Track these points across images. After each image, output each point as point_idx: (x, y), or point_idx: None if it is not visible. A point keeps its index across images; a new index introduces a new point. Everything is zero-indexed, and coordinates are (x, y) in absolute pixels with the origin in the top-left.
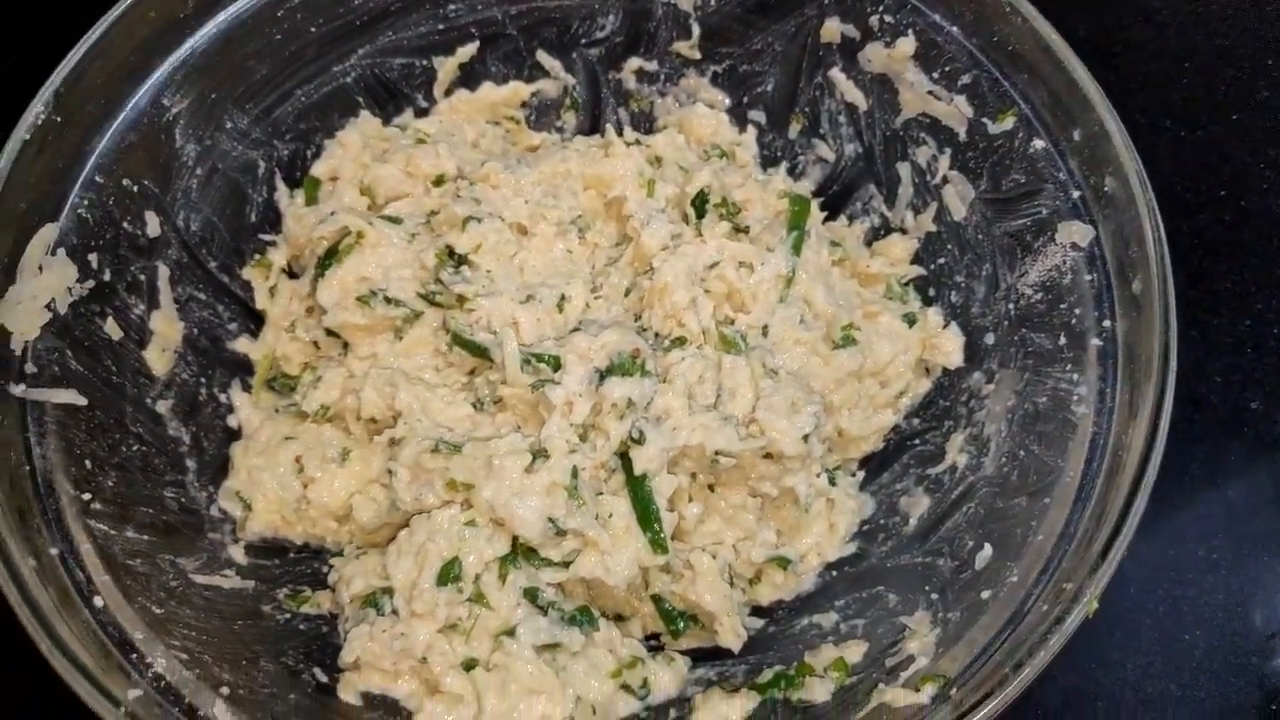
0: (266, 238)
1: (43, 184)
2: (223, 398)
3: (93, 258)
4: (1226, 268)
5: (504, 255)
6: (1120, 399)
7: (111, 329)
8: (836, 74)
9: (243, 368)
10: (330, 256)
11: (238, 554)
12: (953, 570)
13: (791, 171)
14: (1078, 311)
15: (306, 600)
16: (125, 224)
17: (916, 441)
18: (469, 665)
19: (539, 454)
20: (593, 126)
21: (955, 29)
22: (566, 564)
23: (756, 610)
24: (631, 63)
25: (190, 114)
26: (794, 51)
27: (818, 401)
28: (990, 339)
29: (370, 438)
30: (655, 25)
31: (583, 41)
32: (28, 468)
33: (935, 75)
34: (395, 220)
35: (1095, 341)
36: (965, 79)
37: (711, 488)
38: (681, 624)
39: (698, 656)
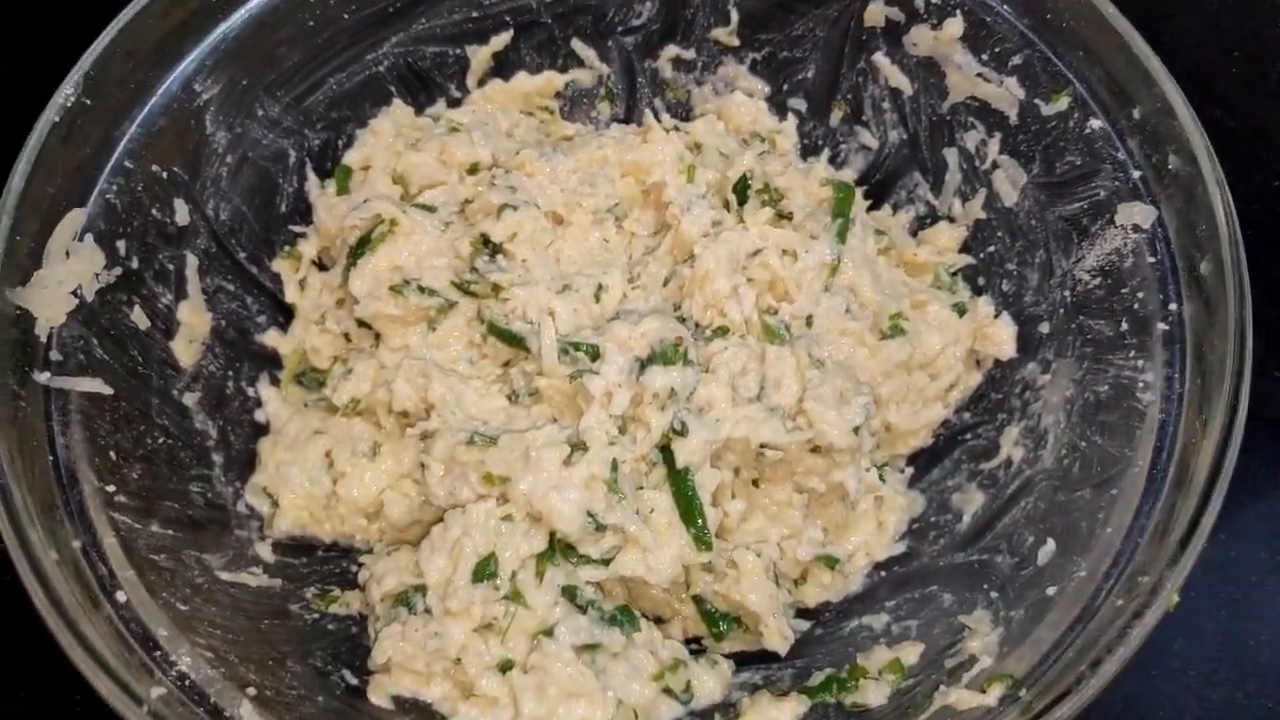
0: (297, 229)
1: (70, 168)
2: (250, 391)
3: (120, 244)
4: None
5: (540, 244)
6: (1190, 384)
7: (138, 318)
8: (880, 59)
9: (271, 361)
10: (363, 245)
11: (265, 552)
12: (1012, 567)
13: (833, 160)
14: (1141, 296)
15: (335, 600)
16: (154, 211)
17: (968, 436)
18: (505, 667)
19: (577, 446)
20: (628, 117)
21: (1005, 8)
22: (606, 561)
23: (802, 612)
24: (668, 50)
25: (221, 100)
26: (836, 37)
27: (867, 392)
28: (1045, 328)
29: (402, 431)
30: (693, 12)
31: (618, 29)
32: (51, 458)
33: (984, 57)
34: (429, 208)
35: (1161, 326)
36: (1016, 60)
37: (755, 483)
38: (724, 626)
39: (741, 660)
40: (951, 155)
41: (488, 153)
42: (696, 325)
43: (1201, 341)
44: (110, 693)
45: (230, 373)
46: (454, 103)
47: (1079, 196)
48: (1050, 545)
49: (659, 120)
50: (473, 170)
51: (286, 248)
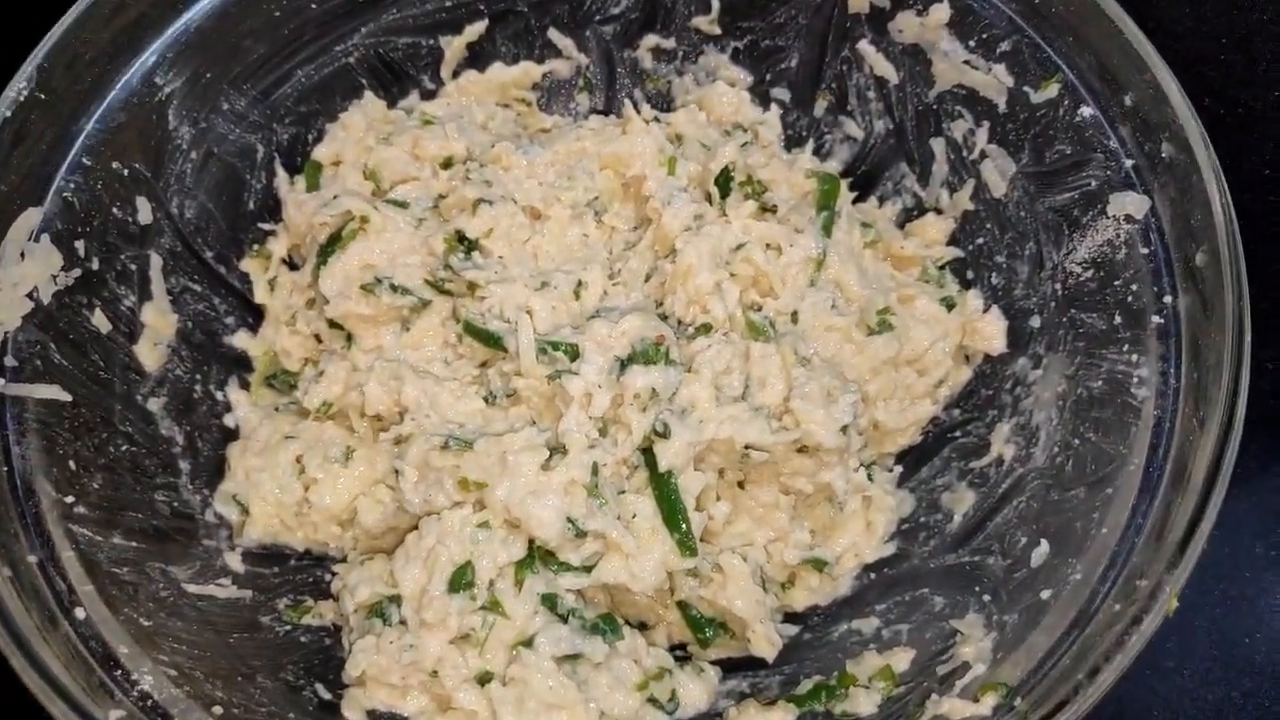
0: (266, 227)
1: (25, 166)
2: (219, 395)
3: (79, 245)
4: (1274, 251)
5: (517, 240)
6: (1186, 379)
7: (99, 321)
8: (865, 46)
9: (240, 364)
10: (333, 243)
11: (234, 561)
12: (1005, 569)
13: (818, 151)
14: (1134, 288)
15: (308, 611)
16: (115, 210)
17: (958, 433)
18: (484, 679)
19: (556, 450)
20: (607, 108)
21: None
22: (588, 569)
23: (790, 616)
24: (648, 40)
25: (184, 94)
26: (819, 24)
27: (855, 390)
28: (1036, 322)
29: (375, 436)
30: (673, 0)
31: (596, 18)
32: (5, 469)
33: (972, 44)
34: (401, 204)
35: (1155, 319)
36: (1004, 46)
37: (741, 485)
38: (710, 632)
39: (728, 667)
40: (938, 145)
41: (462, 146)
42: (679, 322)
43: (1197, 335)
44: (66, 717)
45: (197, 376)
46: (428, 95)
47: (1070, 186)
48: (1044, 547)
49: (639, 111)
50: (447, 164)
51: (255, 246)
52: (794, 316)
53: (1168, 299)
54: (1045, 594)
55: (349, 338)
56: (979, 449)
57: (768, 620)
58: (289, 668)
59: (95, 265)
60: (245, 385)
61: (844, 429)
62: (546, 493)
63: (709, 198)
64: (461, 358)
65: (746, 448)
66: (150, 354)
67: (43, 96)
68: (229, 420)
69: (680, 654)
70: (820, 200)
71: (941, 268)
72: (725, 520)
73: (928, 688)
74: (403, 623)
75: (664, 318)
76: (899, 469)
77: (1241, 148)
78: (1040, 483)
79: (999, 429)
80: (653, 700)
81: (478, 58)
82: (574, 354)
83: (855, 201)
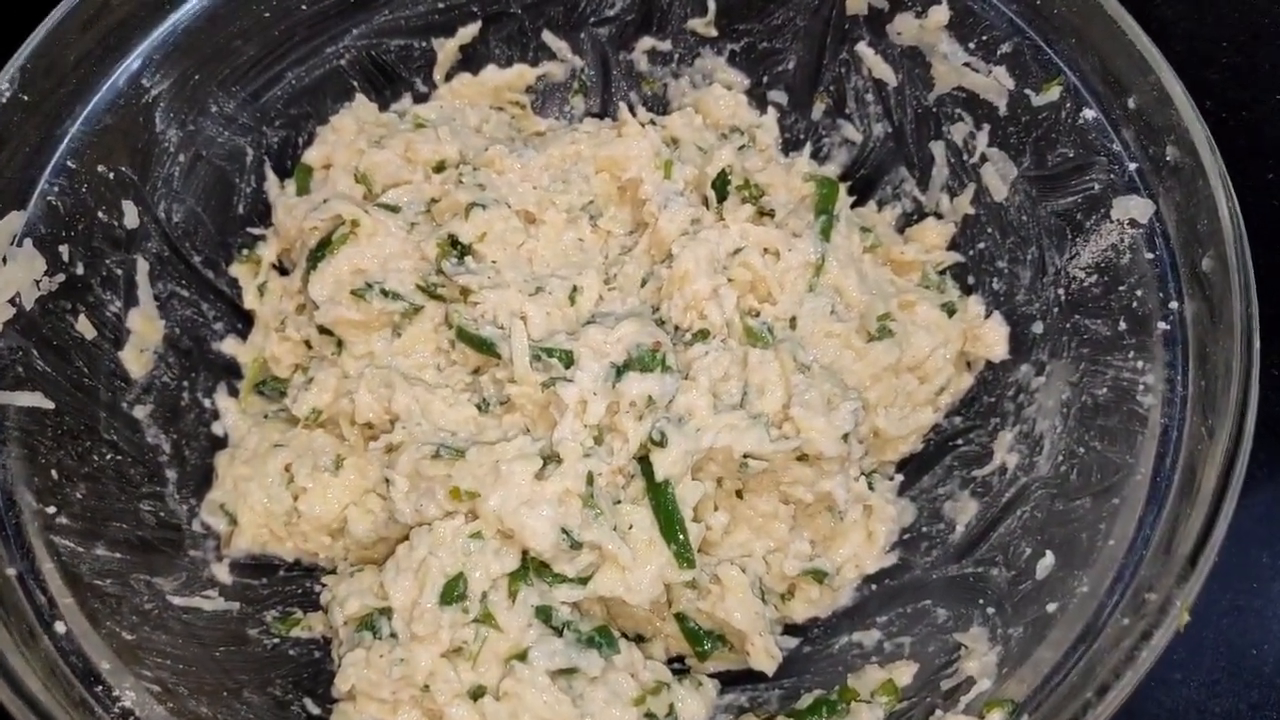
0: (255, 231)
1: (8, 169)
2: (207, 403)
3: (63, 249)
4: (1277, 257)
5: (510, 244)
6: (1194, 387)
7: (84, 327)
8: (863, 49)
9: (229, 370)
10: (323, 247)
11: (221, 573)
12: (1009, 581)
13: (816, 155)
14: (1139, 294)
15: (297, 623)
16: (100, 214)
17: (959, 441)
18: (476, 694)
19: (550, 459)
20: (603, 112)
21: None
22: (583, 581)
23: (789, 628)
24: (643, 42)
25: (171, 96)
26: (817, 26)
27: (855, 397)
28: (1039, 328)
29: (366, 444)
30: (669, 2)
31: (591, 20)
32: None
33: (971, 45)
34: (393, 208)
35: (1161, 326)
36: (1005, 48)
37: (739, 494)
38: (708, 644)
39: (727, 680)
40: (938, 149)
41: (455, 149)
42: (676, 328)
43: (1205, 342)
44: None
45: (185, 383)
46: (420, 98)
47: (1072, 190)
48: (1049, 558)
49: (634, 114)
50: (439, 168)
51: (244, 251)
52: (792, 322)
53: (1174, 305)
54: (1051, 607)
55: (339, 344)
56: (981, 457)
57: (767, 633)
58: (277, 682)
59: (80, 270)
60: (234, 392)
61: (845, 437)
62: (540, 503)
63: (706, 201)
64: (454, 364)
65: (745, 456)
66: (136, 360)
67: (26, 98)
68: (217, 428)
69: (678, 667)
70: (818, 204)
71: (942, 273)
72: (723, 530)
73: (931, 703)
74: (393, 636)
75: (660, 324)
76: (900, 477)
77: (1245, 152)
78: (1045, 492)
79: (1002, 437)
80: (650, 715)
81: (471, 60)
82: (568, 361)
83: (854, 206)
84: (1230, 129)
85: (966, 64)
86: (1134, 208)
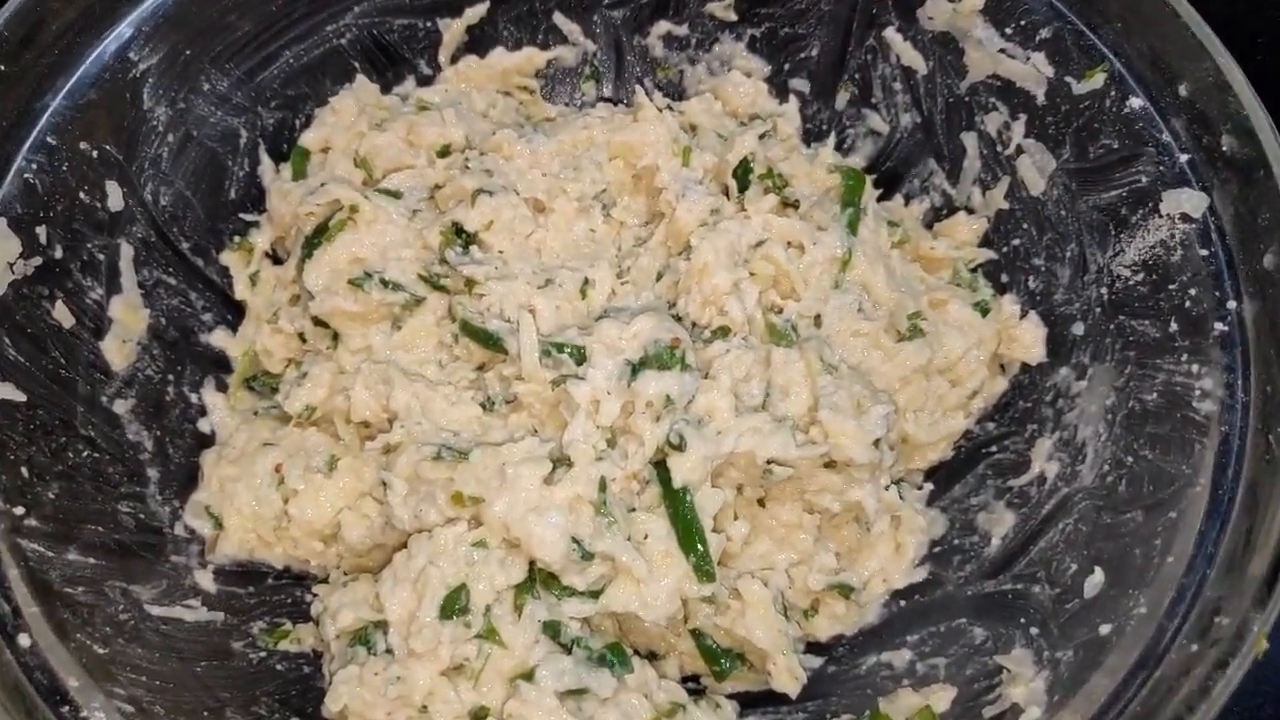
0: (248, 218)
1: None
2: (194, 398)
3: (41, 231)
4: None
5: (519, 234)
6: (1256, 392)
7: (61, 314)
8: (892, 35)
9: (218, 364)
10: (319, 234)
11: (205, 580)
12: (1053, 599)
13: (839, 146)
14: (1192, 293)
15: (285, 635)
16: (82, 194)
17: (993, 449)
18: (478, 715)
19: (560, 462)
20: (615, 99)
21: None
22: (594, 594)
23: (812, 647)
24: (659, 26)
25: (161, 72)
26: (843, 11)
27: (887, 400)
28: (1079, 329)
29: (362, 444)
30: None
31: (605, 2)
32: None
33: (1008, 31)
34: (394, 194)
35: (1218, 327)
36: (1044, 33)
37: (761, 503)
38: (727, 663)
39: (746, 701)
40: (970, 140)
41: (461, 133)
42: (693, 325)
43: (1267, 344)
44: None
45: (170, 377)
46: (424, 81)
47: (1117, 184)
48: (1098, 575)
49: (651, 98)
50: (444, 153)
51: (236, 238)
52: (817, 320)
53: (1231, 304)
54: (1104, 629)
55: (335, 337)
56: (1017, 466)
57: (790, 652)
58: (263, 700)
59: (58, 254)
60: (222, 387)
61: (876, 443)
62: (549, 509)
63: (726, 191)
64: (457, 360)
65: (769, 463)
66: (118, 352)
67: (3, 68)
68: (204, 425)
69: (693, 687)
70: (845, 196)
71: (974, 270)
72: (744, 541)
73: None
74: (389, 651)
75: (678, 319)
76: (929, 486)
77: None
78: (1089, 504)
79: (1039, 445)
80: None
81: (478, 42)
82: (580, 357)
83: (880, 200)
84: None
85: (1002, 50)
86: (1186, 201)
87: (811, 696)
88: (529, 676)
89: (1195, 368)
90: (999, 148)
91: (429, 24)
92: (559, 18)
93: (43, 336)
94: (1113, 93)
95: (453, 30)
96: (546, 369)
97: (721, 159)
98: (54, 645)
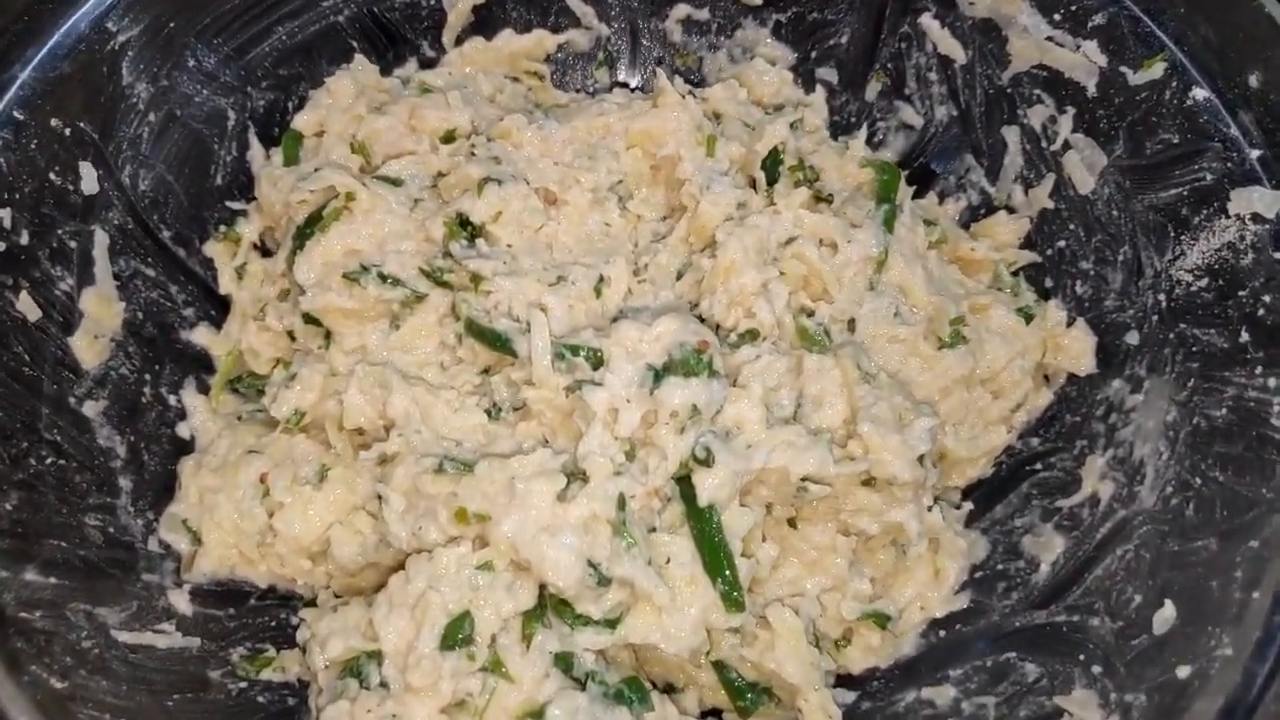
0: (235, 206)
1: None
2: (172, 400)
3: (4, 214)
4: None
5: (528, 226)
6: None
7: (26, 306)
8: (928, 21)
9: (199, 363)
10: (312, 224)
11: (180, 601)
12: (1115, 634)
13: (869, 141)
14: (1266, 299)
15: (269, 663)
16: (53, 175)
17: (1038, 466)
18: None
19: (575, 477)
20: (630, 87)
21: None
22: (611, 623)
23: (843, 680)
24: (678, 9)
25: (142, 45)
26: None
27: (930, 413)
28: (1134, 338)
29: (355, 453)
30: None
31: None
32: None
33: (1057, 17)
34: (394, 182)
35: None
36: (1097, 19)
37: (791, 523)
38: (753, 699)
39: None
40: (1012, 134)
41: (466, 118)
42: (718, 327)
43: None
44: None
45: (147, 376)
46: (427, 63)
47: (1176, 182)
48: (1168, 609)
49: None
50: (448, 139)
51: (222, 228)
52: (850, 324)
53: None
54: (1183, 671)
55: (327, 336)
56: (1066, 485)
57: (824, 686)
58: None
59: (24, 240)
60: (204, 389)
61: (920, 459)
62: (563, 529)
63: (753, 184)
64: (460, 362)
65: (804, 480)
66: (89, 348)
67: None
68: (182, 430)
69: None
70: (880, 192)
71: (1015, 273)
72: (771, 565)
73: None
74: (384, 685)
75: (701, 321)
76: (967, 506)
77: None
78: (1152, 529)
79: (1091, 463)
80: None
81: (485, 23)
82: (597, 361)
83: (913, 198)
84: None
85: (1050, 38)
86: (1258, 200)
87: None
88: (539, 714)
89: (1272, 381)
90: (1044, 143)
91: (433, 1)
92: None
93: (4, 330)
94: (1174, 84)
95: (458, 9)
96: (559, 373)
97: (750, 149)
98: (2, 680)
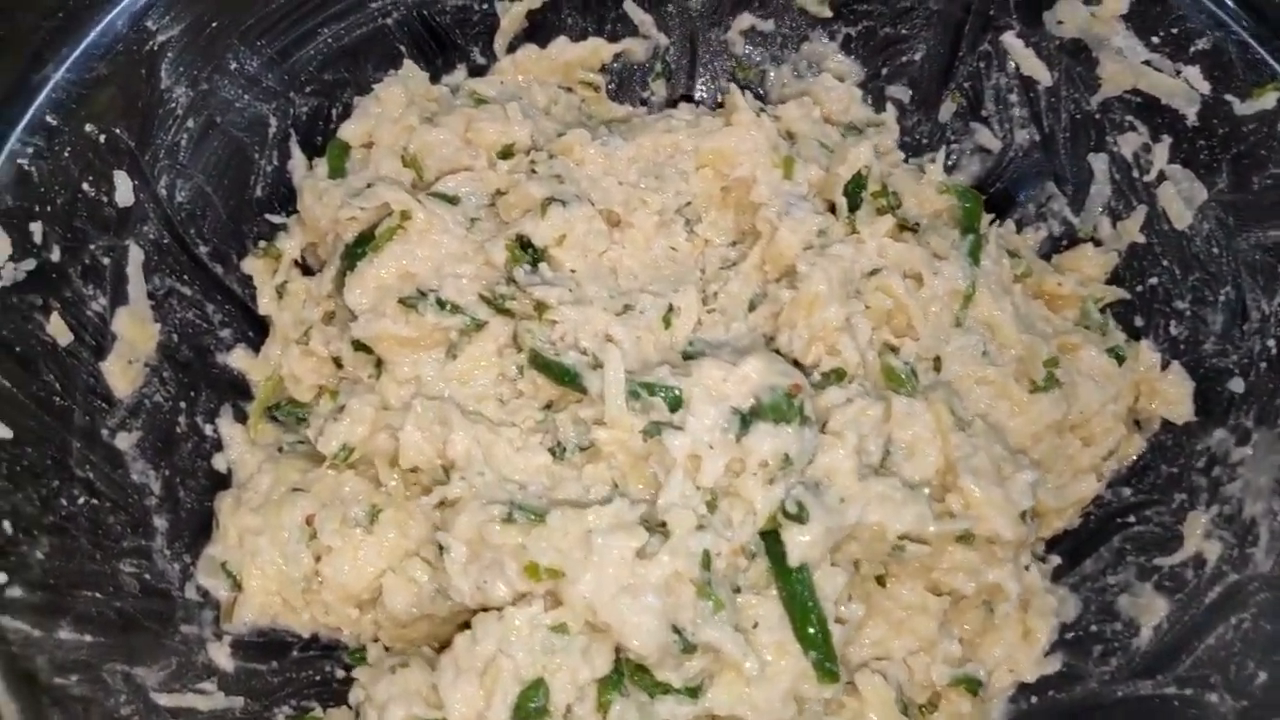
0: (275, 219)
1: None
2: (208, 430)
3: (35, 228)
4: None
5: (592, 250)
6: None
7: (57, 329)
8: (1011, 40)
9: (236, 389)
10: (363, 244)
11: (220, 656)
12: (1240, 714)
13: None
14: None
15: None
16: (86, 185)
17: (1131, 519)
18: None
19: (653, 529)
20: (686, 100)
21: None
22: (693, 692)
23: None
24: (742, 19)
25: (182, 46)
26: (955, 12)
27: (1028, 464)
28: (1238, 385)
29: (409, 492)
30: None
31: None
32: None
33: (1155, 40)
34: (451, 199)
35: None
36: (1201, 44)
37: (880, 580)
38: None
39: None
40: (1099, 163)
41: (526, 132)
42: (796, 364)
43: None
44: None
45: (182, 404)
46: (476, 70)
47: None
48: None
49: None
50: (506, 154)
51: (261, 243)
52: (936, 363)
53: None
54: None
55: (378, 364)
56: (1164, 542)
57: None
58: None
59: (55, 256)
60: (241, 417)
61: (1022, 515)
62: (644, 590)
63: (833, 209)
64: (520, 396)
65: (901, 538)
66: (123, 375)
67: None
68: (219, 462)
69: None
70: (963, 221)
71: (1102, 310)
72: (857, 626)
73: None
74: None
75: (790, 362)
76: (1054, 559)
77: None
78: (1271, 597)
79: (1192, 519)
80: None
81: (539, 29)
82: (675, 402)
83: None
84: None
85: (1147, 62)
86: None
87: None
88: None
89: None
90: (1135, 173)
91: (485, 6)
92: (630, 6)
93: (33, 357)
94: None
95: (512, 14)
96: (634, 414)
97: (831, 172)
98: None
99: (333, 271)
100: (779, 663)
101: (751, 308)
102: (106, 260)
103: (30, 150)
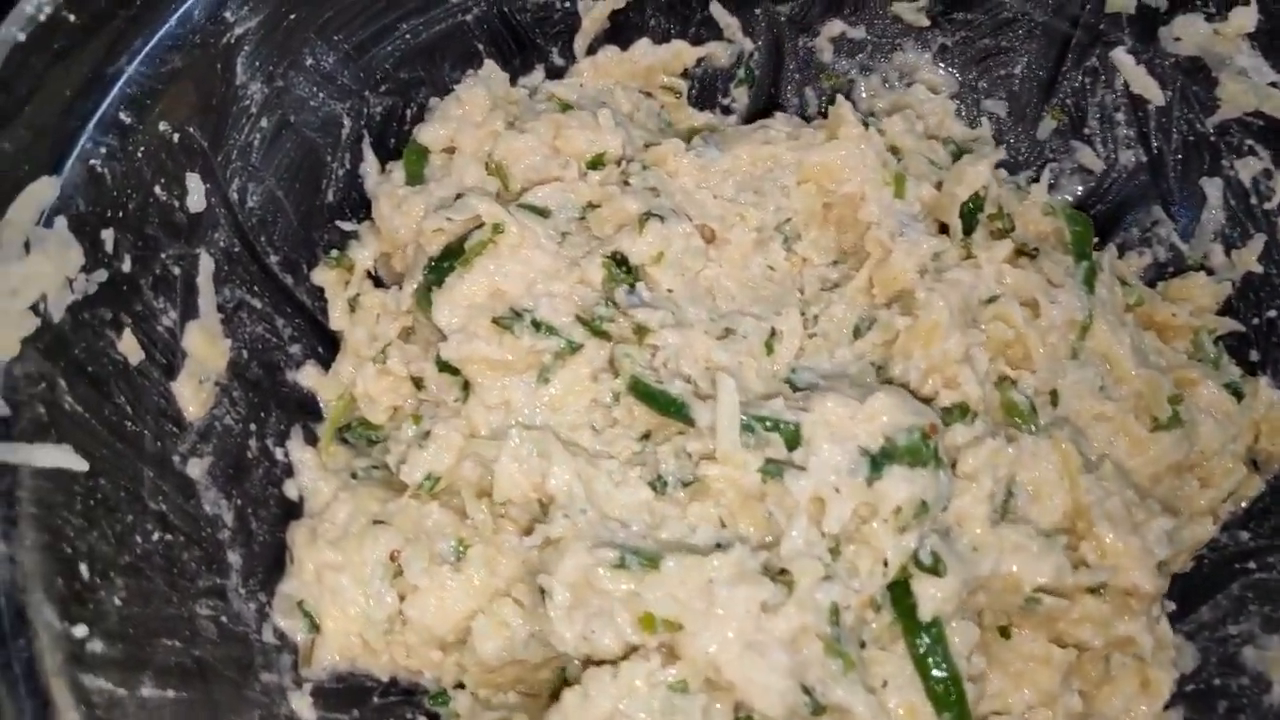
0: (346, 226)
1: (39, 115)
2: (278, 454)
3: (107, 236)
4: None
5: (689, 269)
6: None
7: (129, 347)
8: (1122, 56)
9: (305, 409)
10: (451, 258)
11: (303, 707)
12: None
13: (1035, 183)
14: None
15: None
16: (158, 189)
17: (1251, 565)
18: None
19: (775, 578)
20: (768, 108)
21: None
22: None
23: None
24: (831, 26)
25: (259, 39)
26: (1060, 24)
27: (1160, 510)
28: None
29: (497, 525)
30: None
31: None
32: None
33: None
34: (542, 212)
35: None
36: None
37: (1004, 631)
38: None
39: None
40: (1213, 187)
41: (618, 141)
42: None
43: None
44: None
45: (252, 427)
46: (554, 72)
47: None
48: None
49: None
50: (595, 164)
51: (333, 252)
52: (1053, 397)
53: None
54: None
55: (464, 387)
56: None
57: None
58: None
59: (127, 266)
60: (311, 439)
61: (1159, 566)
62: (770, 646)
63: (946, 231)
64: (615, 424)
65: (1036, 590)
66: (194, 395)
67: (72, 18)
68: (289, 489)
69: None
70: (1074, 246)
71: (1215, 343)
72: (980, 679)
73: None
74: None
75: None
76: (1169, 605)
77: None
78: None
79: None
80: None
81: (621, 30)
82: (794, 440)
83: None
84: None
85: (1273, 84)
86: None
87: None
88: None
89: None
90: (1253, 199)
91: (568, 4)
92: (716, 9)
93: (105, 378)
94: None
95: (594, 14)
96: (749, 451)
97: (945, 191)
98: None
99: (413, 286)
100: None
101: (857, 333)
102: (177, 270)
103: (103, 150)
